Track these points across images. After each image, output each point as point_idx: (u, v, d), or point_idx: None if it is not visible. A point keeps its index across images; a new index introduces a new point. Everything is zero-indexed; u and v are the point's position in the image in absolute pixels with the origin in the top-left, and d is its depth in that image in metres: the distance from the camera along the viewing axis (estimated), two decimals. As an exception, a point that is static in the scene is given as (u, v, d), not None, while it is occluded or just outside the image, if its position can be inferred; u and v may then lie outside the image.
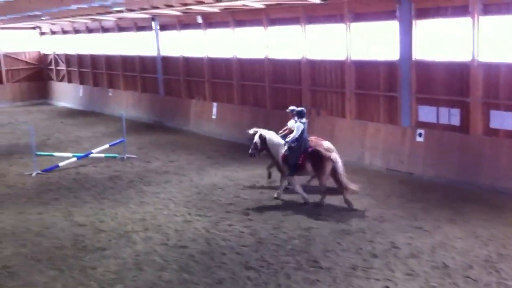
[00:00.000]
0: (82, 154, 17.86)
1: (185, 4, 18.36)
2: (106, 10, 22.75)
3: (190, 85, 24.26)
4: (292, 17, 18.53)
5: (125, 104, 27.96)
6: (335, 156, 12.38)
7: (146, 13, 23.73)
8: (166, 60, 25.49)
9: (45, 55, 36.09)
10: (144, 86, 27.43)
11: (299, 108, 13.27)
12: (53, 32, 34.72)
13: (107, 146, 18.23)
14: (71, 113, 30.47)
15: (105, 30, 29.53)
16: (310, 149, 12.57)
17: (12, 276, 9.64)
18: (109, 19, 27.49)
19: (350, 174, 15.11)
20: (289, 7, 18.37)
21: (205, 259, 9.98)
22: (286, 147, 12.83)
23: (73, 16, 26.74)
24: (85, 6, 19.90)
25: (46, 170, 16.87)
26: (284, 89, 19.54)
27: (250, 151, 13.32)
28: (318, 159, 12.35)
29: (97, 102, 30.77)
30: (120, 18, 26.86)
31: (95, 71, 31.18)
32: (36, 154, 17.00)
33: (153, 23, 25.23)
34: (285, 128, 14.07)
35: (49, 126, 25.69)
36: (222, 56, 22.05)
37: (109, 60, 29.73)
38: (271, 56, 19.76)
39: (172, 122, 24.64)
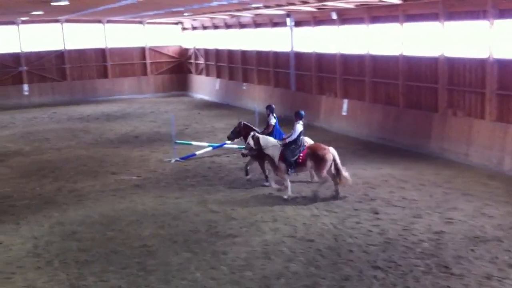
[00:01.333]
0: (217, 144, 18.71)
1: (321, 0, 18.47)
2: (244, 6, 23.58)
3: (321, 81, 24.37)
4: (430, 13, 17.89)
5: (257, 98, 28.76)
6: (333, 149, 13.36)
7: (281, 10, 24.21)
8: (299, 56, 25.81)
9: (186, 50, 38.15)
10: (276, 81, 28.01)
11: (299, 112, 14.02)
12: (194, 28, 36.60)
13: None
14: (207, 105, 31.97)
15: (242, 26, 30.55)
16: (309, 145, 13.63)
17: (151, 255, 10.43)
18: (246, 15, 28.39)
19: (486, 180, 14.35)
20: (427, 3, 17.76)
21: (332, 254, 10.08)
22: (281, 147, 13.54)
23: (213, 12, 28.04)
24: (225, 2, 20.76)
25: (183, 158, 17.93)
26: (418, 88, 18.94)
27: (243, 151, 14.28)
28: (319, 153, 13.21)
29: (231, 95, 31.98)
30: (256, 15, 27.64)
31: (231, 66, 32.40)
32: (175, 142, 18.10)
33: (287, 20, 25.64)
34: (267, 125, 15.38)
35: (187, 117, 27.18)
36: (355, 53, 21.88)
37: (245, 55, 30.73)
38: (406, 53, 19.25)
39: (302, 117, 24.88)
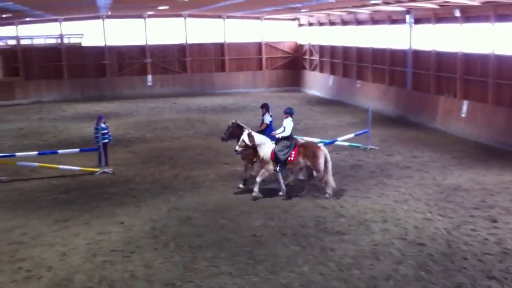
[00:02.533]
0: (329, 141, 18.69)
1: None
2: (362, 3, 23.27)
3: (439, 80, 23.45)
4: None
5: (371, 96, 28.30)
6: (324, 148, 13.83)
7: (402, 6, 23.59)
8: (417, 54, 25.01)
9: (301, 45, 38.35)
10: (391, 79, 27.37)
11: (289, 109, 14.28)
12: (310, 24, 36.70)
13: (352, 135, 18.76)
14: (319, 101, 31.97)
15: (359, 22, 30.15)
16: (300, 144, 13.79)
17: (260, 245, 10.71)
18: (363, 12, 28.00)
19: None
20: None
21: (444, 260, 9.75)
22: (274, 145, 13.67)
23: (330, 8, 27.94)
24: (343, -1, 20.66)
25: (294, 153, 18.09)
26: (549, 91, 17.68)
27: (236, 148, 13.97)
28: (311, 150, 13.56)
29: (344, 93, 31.72)
30: (374, 11, 27.16)
31: (345, 62, 32.12)
32: (287, 137, 18.29)
33: (407, 16, 24.94)
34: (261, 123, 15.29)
35: (299, 112, 27.29)
36: (478, 52, 20.82)
37: (360, 52, 30.33)
38: (536, 54, 18.02)
39: (417, 117, 24.16)
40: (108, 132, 17.17)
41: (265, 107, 15.44)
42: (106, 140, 17.02)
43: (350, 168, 16.28)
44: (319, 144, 14.38)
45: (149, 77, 36.46)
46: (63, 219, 12.51)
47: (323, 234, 11.13)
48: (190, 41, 36.78)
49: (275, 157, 13.56)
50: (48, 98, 34.40)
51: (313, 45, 36.52)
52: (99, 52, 35.56)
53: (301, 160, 13.59)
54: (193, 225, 11.89)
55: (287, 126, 13.78)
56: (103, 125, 16.96)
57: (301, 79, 38.01)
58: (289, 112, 14.08)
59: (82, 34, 35.64)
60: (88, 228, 11.88)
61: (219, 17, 36.72)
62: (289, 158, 13.48)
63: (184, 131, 23.28)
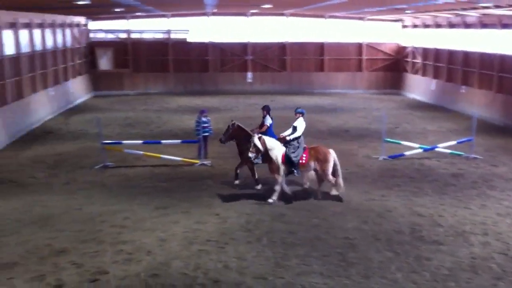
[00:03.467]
0: (428, 147, 18.13)
1: None
2: (472, 5, 22.30)
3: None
4: None
5: (476, 102, 27.07)
6: (333, 152, 13.41)
7: (516, 10, 22.37)
8: (530, 60, 23.62)
9: (403, 48, 37.38)
10: (499, 86, 26.00)
11: (300, 109, 13.83)
12: (414, 26, 35.68)
13: (453, 142, 18.08)
14: (420, 106, 31.02)
15: (467, 25, 28.92)
16: (310, 147, 13.39)
17: (352, 248, 10.64)
18: (472, 15, 26.82)
19: None
20: None
21: (549, 280, 9.22)
22: (284, 148, 13.18)
23: (437, 10, 27.01)
24: (452, 0, 19.90)
25: (392, 157, 17.75)
26: None
27: (250, 154, 13.29)
28: (322, 153, 13.24)
29: (447, 98, 30.55)
30: (484, 14, 25.94)
31: (450, 67, 30.92)
32: (385, 141, 18.00)
33: (522, 20, 23.61)
34: (261, 125, 15.00)
35: (397, 116, 26.73)
36: None
37: (467, 57, 29.08)
38: None
39: (527, 127, 22.82)
40: (209, 126, 17.73)
41: (266, 109, 15.25)
42: (207, 133, 17.60)
43: (451, 177, 15.72)
44: (329, 149, 13.75)
45: (249, 74, 37.12)
46: (163, 206, 13.11)
47: (419, 242, 10.86)
48: (290, 40, 37.02)
49: (286, 160, 13.16)
50: (154, 90, 36.02)
51: (416, 48, 35.48)
52: (203, 48, 36.71)
53: (312, 163, 13.34)
54: (286, 222, 12.03)
55: (298, 126, 13.46)
56: (204, 119, 17.54)
57: (401, 82, 37.05)
58: (301, 112, 13.74)
59: (188, 30, 36.94)
60: (186, 217, 12.37)
61: (321, 16, 36.64)
62: (300, 161, 13.23)
63: (279, 128, 23.38)
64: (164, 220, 12.18)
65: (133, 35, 36.76)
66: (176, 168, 16.77)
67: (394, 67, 37.66)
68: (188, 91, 35.80)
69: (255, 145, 13.11)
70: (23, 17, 24.30)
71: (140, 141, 18.23)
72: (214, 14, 36.08)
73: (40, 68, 26.49)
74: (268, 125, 15.00)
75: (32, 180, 15.71)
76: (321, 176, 13.48)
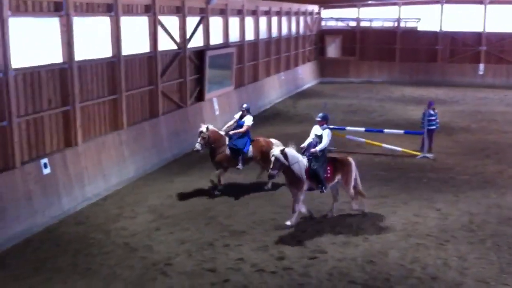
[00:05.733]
0: None
1: None
2: None
3: None
4: None
5: None
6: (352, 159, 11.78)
7: None
8: None
9: None
10: None
11: (322, 114, 11.76)
12: None
13: None
14: None
15: None
16: (330, 157, 11.55)
17: None
18: None
19: None
20: None
21: None
22: (306, 161, 11.10)
23: None
24: None
25: None
26: None
27: (271, 172, 10.95)
28: (347, 165, 11.57)
29: None
30: None
31: None
32: None
33: None
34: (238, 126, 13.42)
35: None
36: None
37: None
38: None
39: None
40: (435, 119, 17.13)
41: (246, 108, 13.58)
42: (433, 127, 17.02)
43: None
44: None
45: (481, 66, 34.65)
46: (382, 195, 13.17)
47: None
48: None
49: (311, 175, 11.15)
50: (378, 79, 35.86)
51: None
52: (433, 37, 35.27)
53: (337, 176, 11.49)
54: (514, 227, 11.20)
55: (325, 135, 11.38)
56: (431, 111, 17.01)
57: None
58: (326, 118, 11.69)
59: (419, 19, 35.88)
60: (405, 208, 12.27)
61: None
62: (326, 175, 11.34)
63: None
64: (382, 209, 12.24)
65: (362, 23, 36.96)
66: (396, 159, 16.63)
67: None
68: (414, 81, 34.85)
69: (277, 160, 10.76)
70: (263, 5, 26.15)
71: (362, 129, 18.43)
72: (448, 2, 34.38)
73: (275, 53, 28.30)
74: (250, 125, 13.44)
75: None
76: (337, 190, 11.82)
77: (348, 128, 18.40)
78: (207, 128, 12.94)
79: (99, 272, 9.25)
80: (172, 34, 17.29)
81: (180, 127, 17.66)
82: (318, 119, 11.65)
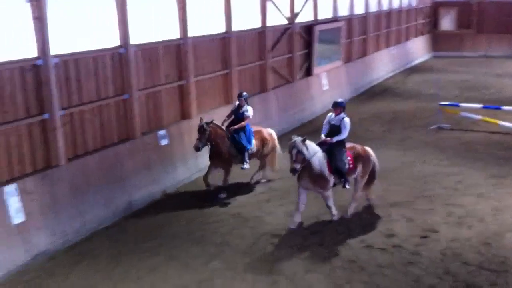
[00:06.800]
0: None
1: None
2: None
3: None
4: None
5: None
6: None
7: None
8: None
9: None
10: None
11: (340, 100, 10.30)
12: None
13: None
14: None
15: None
16: (348, 147, 10.18)
17: None
18: None
19: None
20: None
21: None
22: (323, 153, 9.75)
23: None
24: None
25: None
26: None
27: (294, 166, 9.36)
28: (366, 155, 10.44)
29: None
30: None
31: None
32: None
33: None
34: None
35: None
36: None
37: None
38: None
39: None
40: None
41: (244, 97, 11.80)
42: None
43: None
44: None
45: None
46: (499, 175, 12.51)
47: None
48: None
49: (333, 169, 9.86)
50: (496, 53, 33.69)
51: None
52: (560, 7, 32.54)
53: (358, 168, 10.20)
54: None
55: (344, 127, 9.93)
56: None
57: None
58: (343, 106, 10.16)
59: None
60: (525, 190, 11.60)
61: None
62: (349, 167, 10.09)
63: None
64: (500, 189, 11.65)
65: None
66: (515, 137, 15.72)
67: None
68: (536, 55, 32.47)
69: (300, 153, 9.40)
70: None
71: (479, 105, 17.47)
72: None
73: (385, 27, 27.50)
74: (250, 116, 11.90)
75: (370, 133, 16.73)
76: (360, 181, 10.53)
77: (463, 104, 17.55)
78: (208, 123, 11.37)
79: (212, 239, 9.67)
80: (281, 9, 17.35)
81: (288, 102, 17.79)
82: (335, 106, 10.08)
